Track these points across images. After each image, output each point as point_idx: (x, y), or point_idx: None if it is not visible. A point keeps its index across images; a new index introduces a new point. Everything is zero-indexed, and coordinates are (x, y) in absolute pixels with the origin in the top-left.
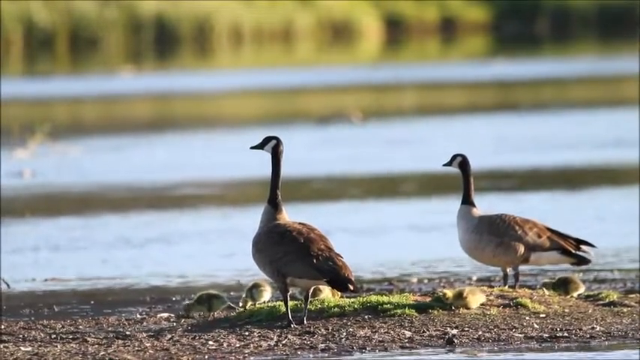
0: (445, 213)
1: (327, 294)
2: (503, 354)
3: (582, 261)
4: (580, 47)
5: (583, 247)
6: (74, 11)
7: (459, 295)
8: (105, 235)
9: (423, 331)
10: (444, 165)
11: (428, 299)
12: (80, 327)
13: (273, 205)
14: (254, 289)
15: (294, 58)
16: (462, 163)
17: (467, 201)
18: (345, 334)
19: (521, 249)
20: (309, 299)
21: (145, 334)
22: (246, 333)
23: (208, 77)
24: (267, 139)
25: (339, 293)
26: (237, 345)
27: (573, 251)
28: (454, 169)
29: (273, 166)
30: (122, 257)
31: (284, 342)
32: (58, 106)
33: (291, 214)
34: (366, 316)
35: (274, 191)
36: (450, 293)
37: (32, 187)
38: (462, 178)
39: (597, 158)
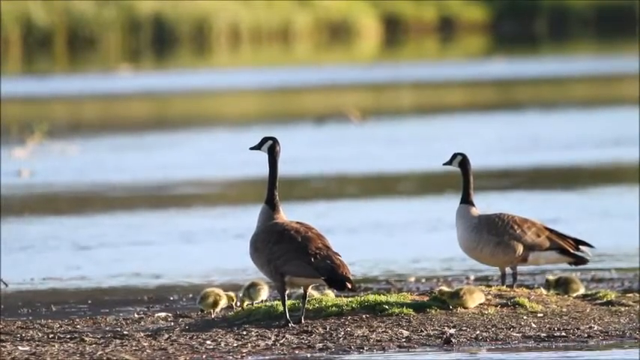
0: (443, 212)
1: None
2: (500, 353)
3: (580, 261)
4: (578, 47)
5: (581, 247)
6: (72, 11)
7: (455, 294)
8: (103, 234)
9: (421, 331)
10: (444, 164)
11: (426, 298)
12: (78, 326)
13: (271, 205)
14: (251, 289)
15: (292, 57)
16: (462, 162)
17: (466, 200)
18: (342, 333)
19: (520, 248)
20: (307, 298)
21: (142, 334)
22: (244, 332)
23: (207, 77)
24: (265, 140)
25: (328, 291)
26: (235, 344)
27: (572, 251)
28: (453, 168)
29: (270, 167)
30: (120, 256)
31: (282, 341)
32: (56, 105)
33: (289, 213)
34: (363, 316)
35: (272, 191)
36: (446, 290)
37: (30, 187)
38: (461, 177)
39: (596, 157)
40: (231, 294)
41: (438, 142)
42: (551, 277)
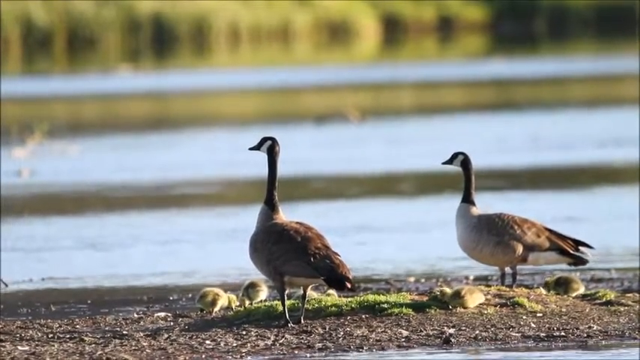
0: (442, 212)
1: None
2: (500, 353)
3: (580, 261)
4: (578, 46)
5: (581, 247)
6: (72, 11)
7: (457, 294)
8: (102, 234)
9: (420, 331)
10: (444, 163)
11: (425, 298)
12: (77, 326)
13: (270, 206)
14: (250, 289)
15: (291, 57)
16: (464, 161)
17: (467, 199)
18: (342, 333)
19: (520, 248)
20: (306, 298)
21: (142, 334)
22: (244, 332)
23: (206, 76)
24: (264, 140)
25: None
26: (235, 344)
27: (571, 252)
28: (452, 168)
29: (269, 167)
30: (120, 256)
31: (281, 341)
32: (56, 105)
33: (288, 214)
34: (363, 316)
35: (271, 192)
36: (447, 291)
37: (30, 187)
38: (461, 177)
39: (596, 157)
40: (232, 296)
41: (438, 142)
42: (549, 279)
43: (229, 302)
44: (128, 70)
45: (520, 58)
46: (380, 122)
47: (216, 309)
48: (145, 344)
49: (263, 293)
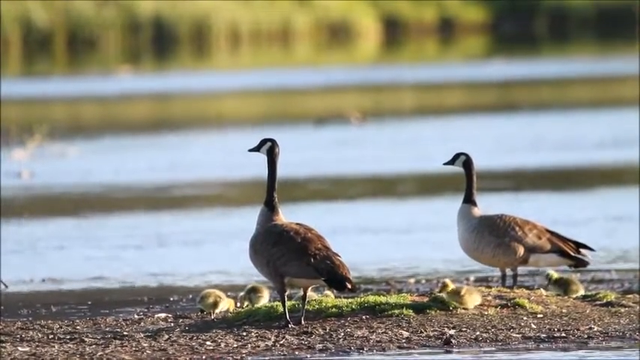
0: (443, 213)
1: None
2: (500, 354)
3: (581, 263)
4: (578, 47)
5: (582, 250)
6: (72, 11)
7: (456, 293)
8: (103, 235)
9: (421, 332)
10: (445, 164)
11: (425, 299)
12: (78, 327)
13: (270, 207)
14: (252, 294)
15: (292, 58)
16: (466, 162)
17: (468, 200)
18: (342, 334)
19: (521, 250)
20: (307, 299)
21: (142, 335)
22: (244, 333)
23: (206, 77)
24: (263, 142)
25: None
26: (235, 345)
27: (572, 254)
28: (453, 169)
29: (269, 168)
30: (120, 257)
31: (282, 342)
32: (56, 106)
33: (288, 215)
34: (363, 317)
35: (270, 193)
36: (450, 284)
37: (30, 188)
38: (461, 178)
39: (596, 158)
40: (232, 301)
41: (439, 144)
42: (552, 273)
43: (229, 307)
44: (128, 71)
45: (520, 59)
46: (381, 123)
47: (217, 311)
48: (145, 345)
49: (264, 300)
